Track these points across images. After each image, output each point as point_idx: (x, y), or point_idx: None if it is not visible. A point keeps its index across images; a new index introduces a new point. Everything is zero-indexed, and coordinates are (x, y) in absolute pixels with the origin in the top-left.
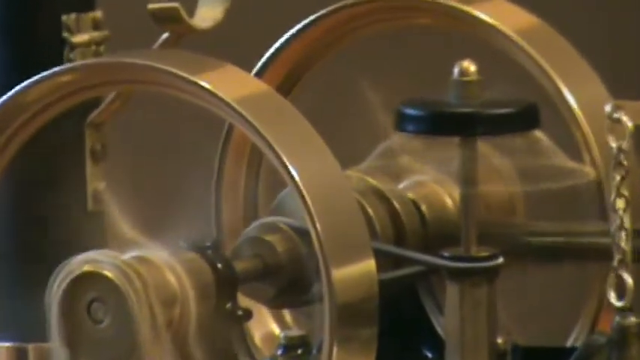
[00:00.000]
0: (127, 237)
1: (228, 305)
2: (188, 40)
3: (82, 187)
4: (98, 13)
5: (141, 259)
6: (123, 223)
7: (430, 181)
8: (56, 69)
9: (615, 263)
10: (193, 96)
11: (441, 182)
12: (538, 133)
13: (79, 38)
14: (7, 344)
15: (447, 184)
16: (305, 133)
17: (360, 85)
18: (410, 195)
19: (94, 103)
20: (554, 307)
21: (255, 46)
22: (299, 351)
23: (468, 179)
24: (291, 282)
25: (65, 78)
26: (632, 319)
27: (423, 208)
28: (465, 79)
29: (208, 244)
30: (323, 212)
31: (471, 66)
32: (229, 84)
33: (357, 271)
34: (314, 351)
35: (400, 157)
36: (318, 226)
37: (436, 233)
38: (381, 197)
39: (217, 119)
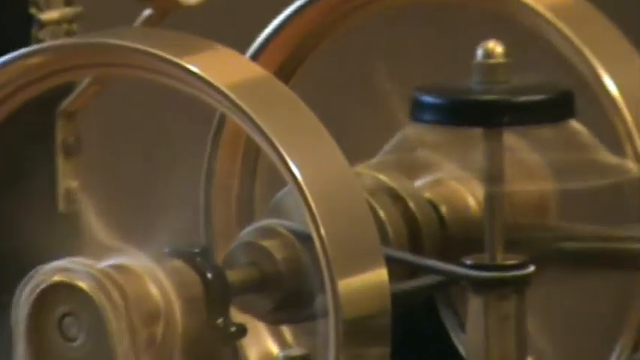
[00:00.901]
0: (104, 242)
1: (220, 321)
2: (174, 17)
3: (53, 185)
4: None
5: (120, 267)
6: (99, 227)
7: (450, 178)
8: (23, 51)
9: None
10: (180, 81)
11: (462, 180)
12: (573, 124)
13: (48, 15)
14: None
15: (469, 181)
16: (308, 124)
17: (369, 70)
18: (427, 194)
19: (66, 89)
20: (591, 321)
21: (249, 25)
22: None
23: (493, 176)
24: (291, 294)
25: (33, 61)
26: None
27: (442, 209)
28: (490, 61)
29: (197, 250)
30: (328, 214)
31: (496, 47)
32: (221, 68)
33: (367, 282)
34: None
35: (416, 151)
36: (322, 230)
37: (457, 238)
38: (395, 197)
39: (207, 108)
